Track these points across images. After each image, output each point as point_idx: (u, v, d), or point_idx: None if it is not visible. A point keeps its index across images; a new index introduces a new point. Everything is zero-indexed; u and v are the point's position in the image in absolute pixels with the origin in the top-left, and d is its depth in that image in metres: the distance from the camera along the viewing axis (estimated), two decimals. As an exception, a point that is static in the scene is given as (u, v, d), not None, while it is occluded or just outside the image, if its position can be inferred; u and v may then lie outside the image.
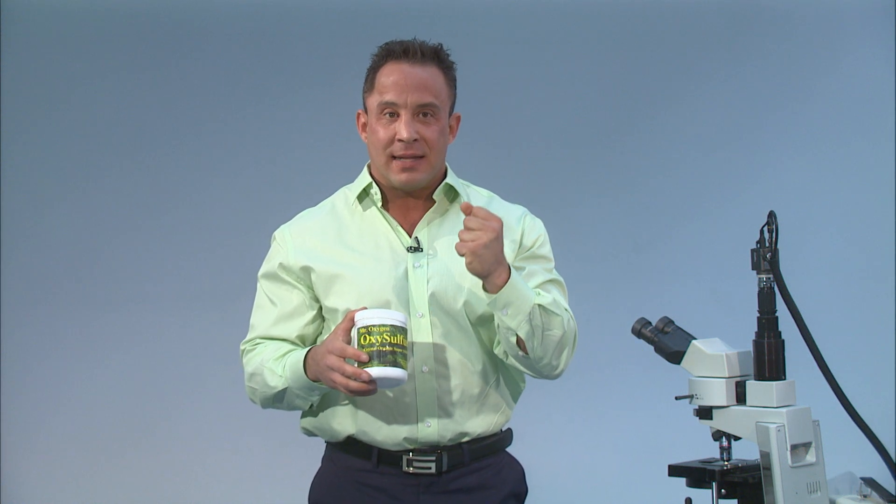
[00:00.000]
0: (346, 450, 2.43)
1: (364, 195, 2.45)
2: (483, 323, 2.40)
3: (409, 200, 2.43)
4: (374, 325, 2.21)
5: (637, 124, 4.89)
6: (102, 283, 4.79)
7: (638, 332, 2.48)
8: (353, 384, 2.20)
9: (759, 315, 2.34)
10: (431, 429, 2.37)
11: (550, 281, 2.42)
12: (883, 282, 4.74)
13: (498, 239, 2.22)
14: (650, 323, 2.47)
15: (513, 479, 2.48)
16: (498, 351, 2.40)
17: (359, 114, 2.45)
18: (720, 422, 2.34)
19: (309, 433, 2.50)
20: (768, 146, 4.86)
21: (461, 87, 2.46)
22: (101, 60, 4.81)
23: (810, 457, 2.26)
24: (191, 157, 4.83)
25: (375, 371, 2.19)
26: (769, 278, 2.33)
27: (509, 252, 2.39)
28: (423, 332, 2.36)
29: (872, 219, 4.77)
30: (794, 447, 2.23)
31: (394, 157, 2.36)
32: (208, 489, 4.69)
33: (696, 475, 2.35)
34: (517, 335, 2.28)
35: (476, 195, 2.51)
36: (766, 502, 2.22)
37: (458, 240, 2.35)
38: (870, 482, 2.35)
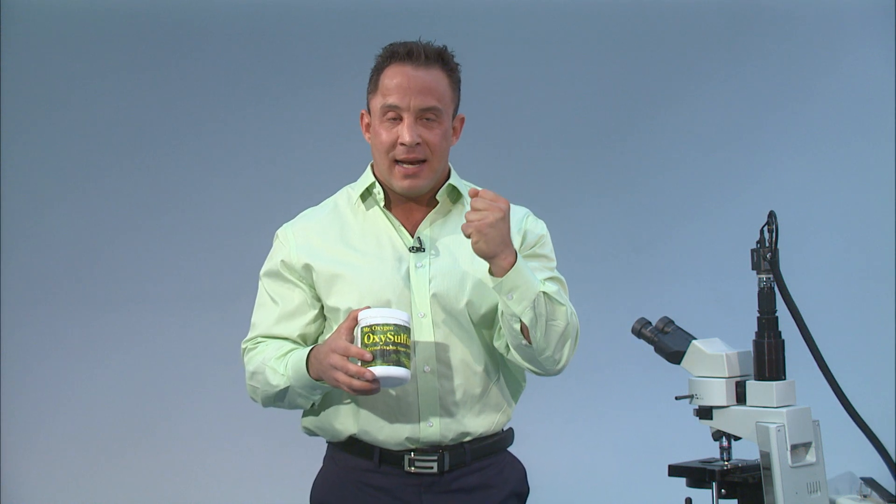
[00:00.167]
0: (348, 449, 2.43)
1: (367, 195, 2.45)
2: (485, 323, 2.40)
3: (411, 201, 2.43)
4: (377, 325, 2.21)
5: (637, 124, 4.89)
6: (102, 283, 4.79)
7: (638, 332, 2.48)
8: (357, 383, 2.19)
9: (759, 315, 2.34)
10: (433, 428, 2.37)
11: (552, 279, 2.42)
12: (883, 282, 4.74)
13: (504, 219, 2.22)
14: (650, 323, 2.47)
15: (514, 478, 2.48)
16: (499, 345, 2.40)
17: (362, 114, 2.45)
18: (720, 422, 2.34)
19: (310, 433, 2.49)
20: (768, 146, 4.86)
21: (461, 87, 2.45)
22: (101, 60, 4.81)
23: (810, 457, 2.26)
24: (191, 157, 4.83)
25: (379, 370, 2.19)
26: (769, 278, 2.33)
27: None
28: (424, 332, 2.36)
29: (872, 219, 4.77)
30: (794, 447, 2.23)
31: (396, 162, 2.35)
32: (208, 489, 4.69)
33: (696, 475, 2.35)
34: (521, 322, 2.27)
35: None
36: (766, 502, 2.22)
37: (460, 240, 2.36)
38: (870, 482, 2.35)
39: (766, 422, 2.24)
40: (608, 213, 4.87)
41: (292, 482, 4.54)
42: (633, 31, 4.86)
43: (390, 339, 2.20)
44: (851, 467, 2.40)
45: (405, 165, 2.35)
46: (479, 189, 2.26)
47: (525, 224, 2.46)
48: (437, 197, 2.43)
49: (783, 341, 2.32)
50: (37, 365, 4.77)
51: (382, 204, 2.42)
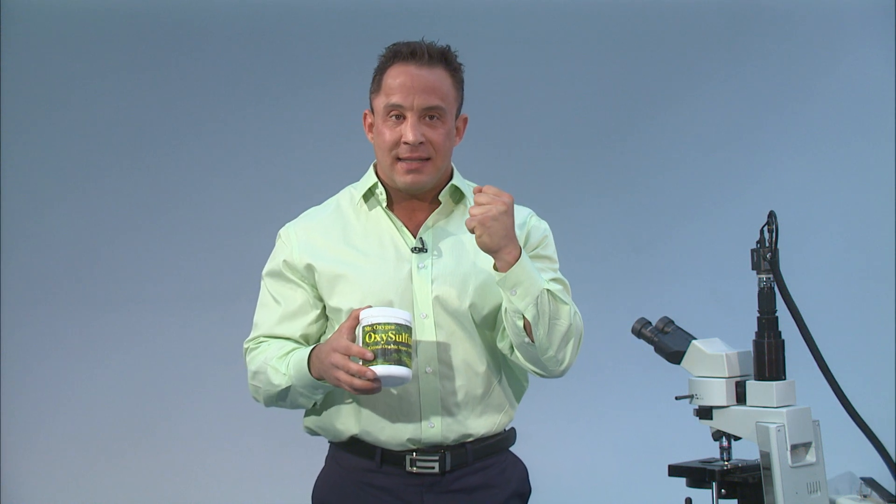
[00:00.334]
0: (350, 450, 2.43)
1: (369, 195, 2.44)
2: (487, 324, 2.40)
3: (414, 201, 2.42)
4: (379, 324, 2.21)
5: (637, 124, 4.89)
6: (102, 283, 4.79)
7: (638, 332, 2.48)
8: (358, 382, 2.19)
9: (759, 315, 2.34)
10: (435, 429, 2.37)
11: (556, 280, 2.41)
12: (883, 282, 4.74)
13: (508, 213, 2.22)
14: (650, 323, 2.47)
15: (516, 478, 2.48)
16: (503, 346, 2.40)
17: (365, 114, 2.45)
18: (720, 422, 2.34)
19: (312, 433, 2.49)
20: (768, 146, 4.86)
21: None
22: (101, 60, 4.81)
23: (810, 457, 2.26)
24: (191, 157, 4.83)
25: (380, 369, 2.19)
26: (769, 278, 2.33)
27: None
28: (427, 333, 2.36)
29: (872, 219, 4.77)
30: (794, 447, 2.23)
31: (399, 159, 2.35)
32: (208, 489, 4.69)
33: (696, 475, 2.35)
34: (524, 318, 2.27)
35: None
36: (766, 502, 2.22)
37: (463, 240, 2.37)
38: (870, 482, 2.35)
39: (766, 422, 2.24)
40: (608, 213, 4.87)
41: (292, 482, 4.55)
42: (633, 31, 4.86)
43: (392, 338, 2.20)
44: (851, 467, 2.40)
45: (409, 161, 2.34)
46: (483, 186, 2.26)
47: (528, 224, 2.46)
48: (440, 198, 2.43)
49: (783, 341, 2.32)
50: (37, 365, 4.77)
51: (385, 204, 2.42)
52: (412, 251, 2.39)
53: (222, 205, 4.82)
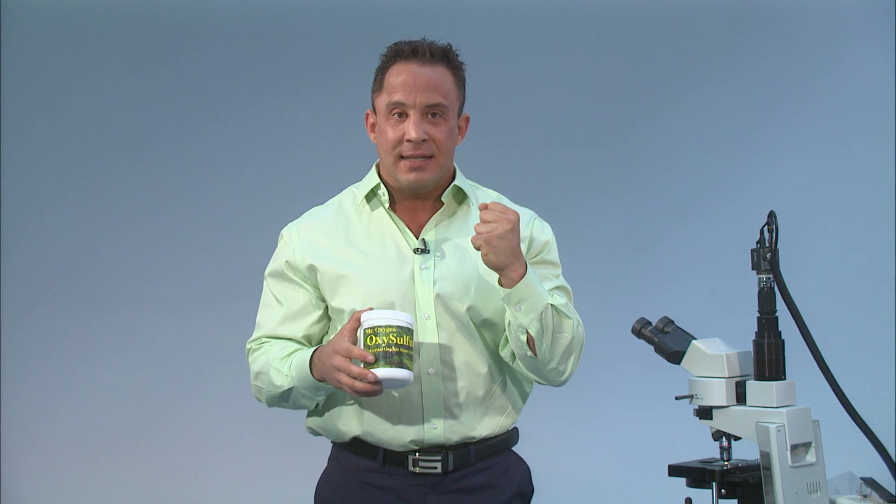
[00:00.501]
0: (352, 450, 2.43)
1: (372, 195, 2.44)
2: (488, 326, 2.40)
3: (416, 202, 2.42)
4: (380, 326, 2.20)
5: (637, 124, 4.89)
6: (102, 283, 4.79)
7: (638, 332, 2.48)
8: (359, 385, 2.19)
9: (759, 315, 2.34)
10: (437, 430, 2.37)
11: (559, 287, 2.42)
12: (883, 282, 4.74)
13: (514, 231, 2.22)
14: (650, 323, 2.47)
15: (519, 478, 2.48)
16: (505, 353, 2.40)
17: (367, 114, 2.45)
18: (720, 422, 2.34)
19: (314, 433, 2.49)
20: (768, 146, 4.86)
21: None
22: (101, 60, 4.81)
23: (810, 457, 2.26)
24: (191, 157, 4.83)
25: (381, 372, 2.19)
26: (769, 278, 2.33)
27: None
28: (429, 334, 2.36)
29: (872, 219, 4.77)
30: (794, 447, 2.23)
31: (402, 158, 2.35)
32: (208, 489, 4.69)
33: (696, 475, 2.35)
34: (528, 333, 2.27)
35: (484, 197, 2.50)
36: (766, 502, 2.22)
37: (466, 242, 2.36)
38: (870, 482, 2.35)
39: (766, 422, 2.24)
40: (608, 213, 4.87)
41: (292, 482, 4.55)
42: (633, 31, 4.86)
43: (393, 340, 2.20)
44: (851, 467, 2.40)
45: (411, 159, 2.34)
46: (488, 202, 2.26)
47: (532, 228, 2.46)
48: (443, 198, 2.42)
49: (783, 341, 2.32)
50: (37, 365, 4.77)
51: (387, 205, 2.42)
52: (414, 252, 2.39)
53: (222, 205, 4.82)
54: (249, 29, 4.84)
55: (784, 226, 2.34)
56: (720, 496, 2.31)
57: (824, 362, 2.31)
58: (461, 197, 2.45)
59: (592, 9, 4.84)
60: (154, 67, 4.82)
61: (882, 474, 2.35)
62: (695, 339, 2.41)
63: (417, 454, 2.38)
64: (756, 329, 2.34)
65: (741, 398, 2.32)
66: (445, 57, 2.38)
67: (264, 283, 2.48)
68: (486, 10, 4.82)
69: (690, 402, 2.38)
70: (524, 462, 2.52)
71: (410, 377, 2.22)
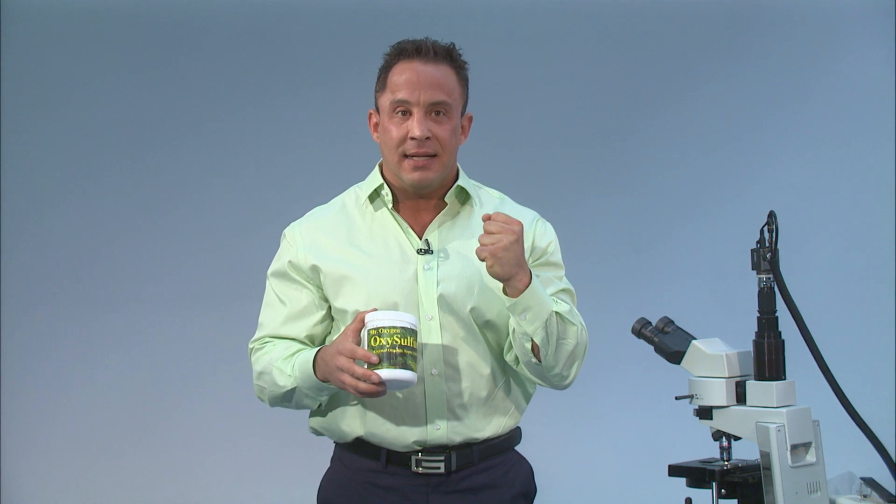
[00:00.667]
0: (355, 450, 2.43)
1: (375, 196, 2.43)
2: (491, 327, 2.40)
3: (420, 202, 2.42)
4: (384, 327, 2.20)
5: (637, 124, 4.89)
6: (102, 283, 4.79)
7: (638, 332, 2.48)
8: (363, 385, 2.19)
9: (759, 315, 2.34)
10: (441, 431, 2.37)
11: (563, 290, 2.42)
12: (883, 282, 4.74)
13: (519, 241, 2.22)
14: (650, 323, 2.47)
15: (522, 477, 2.48)
16: (509, 358, 2.40)
17: (370, 114, 2.44)
18: (720, 422, 2.34)
19: (317, 433, 2.49)
20: (768, 146, 4.86)
21: (465, 86, 2.45)
22: (101, 60, 4.81)
23: (810, 457, 2.26)
24: (191, 157, 4.83)
25: (385, 373, 2.19)
26: (769, 278, 2.33)
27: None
28: (432, 335, 2.35)
29: (872, 219, 4.77)
30: (794, 447, 2.23)
31: (406, 156, 2.35)
32: (208, 489, 4.69)
33: (696, 475, 2.35)
34: (532, 341, 2.28)
35: (487, 197, 2.50)
36: (766, 502, 2.22)
37: (469, 242, 2.36)
38: (870, 482, 2.35)
39: (766, 422, 2.24)
40: (608, 213, 4.87)
41: (292, 482, 4.55)
42: (633, 31, 4.86)
43: (397, 341, 2.20)
44: (851, 467, 2.40)
45: (415, 158, 2.34)
46: (491, 212, 2.25)
47: (534, 230, 2.46)
48: (446, 199, 2.42)
49: (783, 341, 2.32)
50: (37, 365, 4.77)
51: (391, 205, 2.42)
52: (418, 253, 2.39)
53: (222, 205, 4.82)
54: (249, 29, 4.84)
55: (784, 226, 2.34)
56: (720, 496, 2.31)
57: (824, 362, 2.31)
58: (464, 197, 2.45)
59: (592, 9, 4.83)
60: (154, 67, 4.82)
61: (882, 474, 2.35)
62: (695, 339, 2.41)
63: (420, 454, 2.38)
64: (756, 329, 2.34)
65: (741, 398, 2.32)
66: (449, 56, 2.38)
67: (267, 282, 2.48)
68: (486, 10, 4.82)
69: (690, 402, 2.38)
70: (527, 462, 2.52)
71: (414, 378, 2.22)
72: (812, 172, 4.82)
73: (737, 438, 2.34)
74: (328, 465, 2.52)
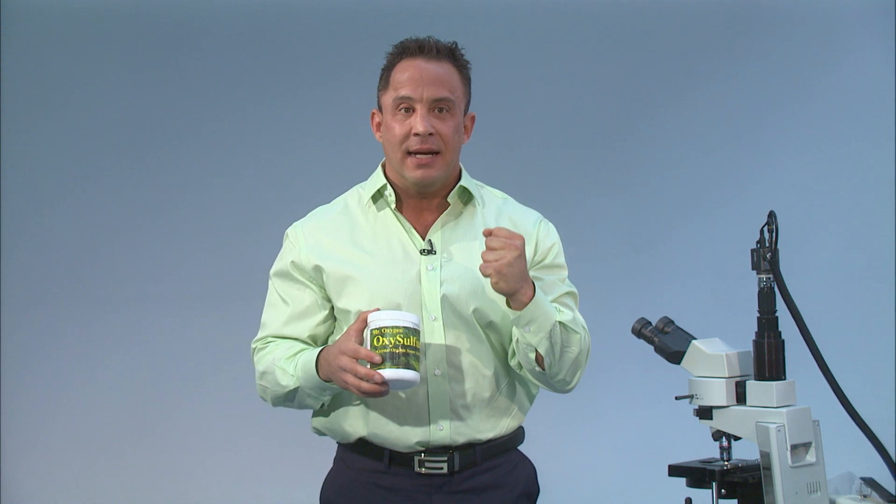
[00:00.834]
0: (358, 451, 2.43)
1: (378, 196, 2.43)
2: (493, 328, 2.40)
3: (422, 202, 2.42)
4: (387, 327, 2.20)
5: (637, 124, 4.89)
6: (102, 283, 4.79)
7: (638, 332, 2.48)
8: (366, 385, 2.19)
9: (759, 315, 2.34)
10: (444, 432, 2.37)
11: (566, 294, 2.43)
12: (883, 282, 4.74)
13: (521, 256, 2.22)
14: (650, 323, 2.47)
15: (525, 477, 2.48)
16: (513, 363, 2.41)
17: (373, 113, 2.44)
18: (720, 422, 2.34)
19: (320, 433, 2.49)
20: (768, 146, 4.86)
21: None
22: (101, 60, 4.81)
23: (810, 457, 2.26)
24: (191, 157, 4.83)
25: (388, 373, 2.19)
26: (769, 278, 2.33)
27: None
28: (435, 335, 2.35)
29: (872, 219, 4.77)
30: (794, 447, 2.23)
31: (409, 153, 2.34)
32: (208, 489, 4.69)
33: (696, 475, 2.35)
34: (536, 351, 2.29)
35: (490, 196, 2.50)
36: (766, 502, 2.22)
37: (472, 243, 2.37)
38: (870, 482, 2.35)
39: (766, 422, 2.24)
40: (608, 213, 4.87)
41: (292, 482, 4.55)
42: (633, 31, 4.86)
43: (400, 341, 2.20)
44: (851, 467, 2.40)
45: (418, 156, 2.34)
46: (492, 228, 2.25)
47: (537, 232, 2.46)
48: (449, 199, 2.42)
49: (783, 341, 2.32)
50: (37, 365, 4.77)
51: (394, 205, 2.41)
52: (421, 253, 2.39)
53: (222, 205, 4.82)
54: (249, 29, 4.84)
55: (784, 226, 2.34)
56: (720, 496, 2.31)
57: (824, 362, 2.31)
58: (467, 197, 2.45)
59: (592, 9, 4.83)
60: (154, 67, 4.82)
61: (882, 474, 2.35)
62: (695, 339, 2.41)
63: (423, 455, 2.38)
64: (756, 329, 2.34)
65: (741, 398, 2.32)
66: (451, 54, 2.39)
67: (269, 282, 2.48)
68: (486, 10, 4.82)
69: (690, 402, 2.38)
70: (530, 462, 2.52)
71: (417, 378, 2.22)
72: (812, 172, 4.82)
73: (737, 438, 2.34)
74: (328, 465, 2.52)
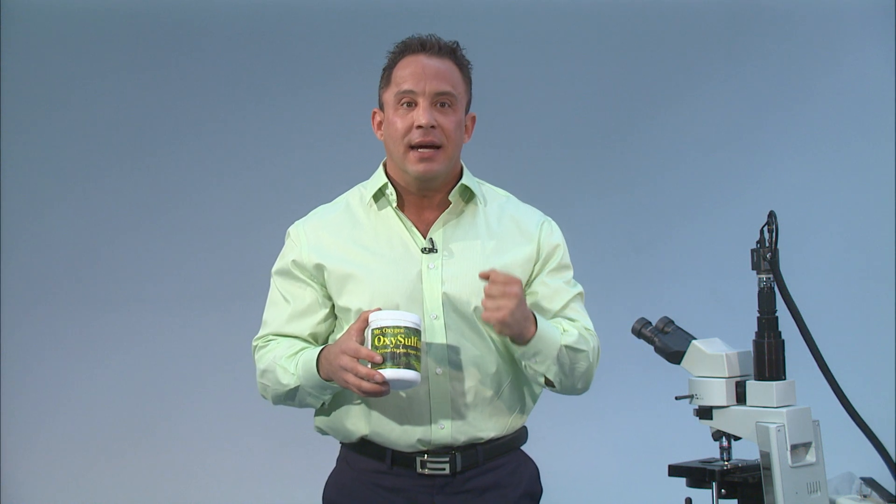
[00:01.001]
0: (361, 451, 2.43)
1: (379, 195, 2.43)
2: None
3: (424, 201, 2.42)
4: (388, 327, 2.20)
5: (637, 124, 4.89)
6: (102, 283, 4.79)
7: (638, 332, 2.48)
8: (366, 385, 2.19)
9: (759, 315, 2.34)
10: (445, 431, 2.37)
11: (574, 298, 2.44)
12: (883, 282, 4.74)
13: (521, 301, 2.23)
14: (650, 323, 2.47)
15: (527, 478, 2.48)
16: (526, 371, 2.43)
17: (374, 112, 2.44)
18: (720, 422, 2.34)
19: (322, 432, 2.49)
20: (768, 146, 4.86)
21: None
22: (101, 60, 4.81)
23: (810, 457, 2.26)
24: (191, 157, 4.83)
25: (389, 373, 2.19)
26: (769, 278, 2.32)
27: (527, 261, 2.41)
28: (437, 334, 2.35)
29: (872, 219, 4.77)
30: (794, 447, 2.23)
31: (411, 148, 2.34)
32: (208, 489, 4.69)
33: (696, 475, 2.35)
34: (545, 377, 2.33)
35: (493, 195, 2.50)
36: (766, 502, 2.22)
37: (474, 242, 2.38)
38: (870, 482, 2.35)
39: (766, 422, 2.24)
40: (608, 213, 4.87)
41: (292, 482, 4.55)
42: (633, 31, 4.86)
43: (401, 341, 2.20)
44: (851, 467, 2.40)
45: (420, 150, 2.34)
46: (489, 271, 2.25)
47: (540, 235, 2.46)
48: (450, 197, 2.42)
49: (783, 341, 2.32)
50: (37, 365, 4.77)
51: (395, 204, 2.41)
52: (422, 252, 2.39)
53: (222, 205, 4.82)
54: (249, 29, 4.84)
55: (784, 226, 2.34)
56: (720, 496, 2.31)
57: (824, 362, 2.31)
58: (469, 196, 2.45)
59: (592, 9, 4.83)
60: (154, 67, 4.82)
61: (882, 474, 2.35)
62: (695, 339, 2.40)
63: (426, 455, 2.38)
64: (756, 329, 2.34)
65: (741, 398, 2.32)
66: (453, 53, 2.40)
67: (271, 280, 2.48)
68: (486, 10, 4.82)
69: (690, 402, 2.38)
70: (533, 462, 2.52)
71: (418, 378, 2.22)
72: (812, 172, 4.82)
73: (737, 438, 2.34)
74: (328, 464, 2.52)
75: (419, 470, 2.38)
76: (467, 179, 2.44)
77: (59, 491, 4.68)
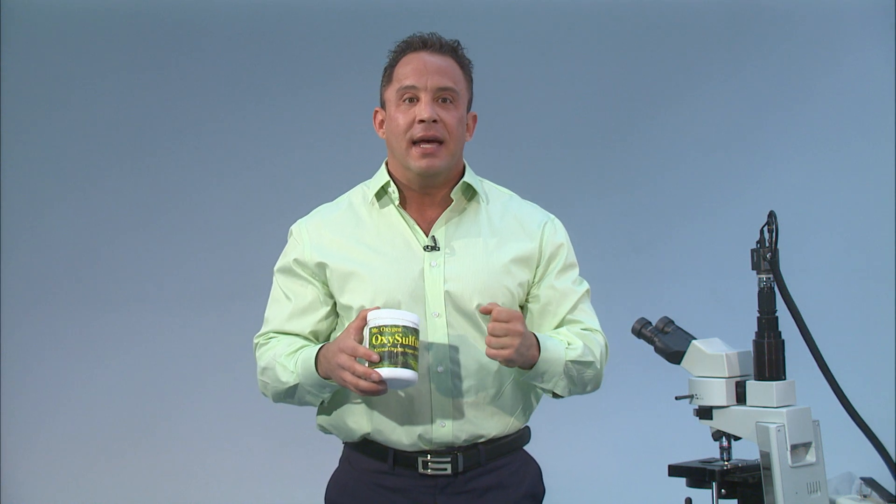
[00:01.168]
0: (363, 451, 2.43)
1: (382, 193, 2.43)
2: None
3: (426, 199, 2.42)
4: (386, 326, 2.20)
5: (637, 124, 4.89)
6: (102, 283, 4.80)
7: (638, 332, 2.48)
8: (364, 384, 2.19)
9: (759, 315, 2.34)
10: (446, 429, 2.37)
11: (581, 297, 2.46)
12: (883, 282, 4.74)
13: (525, 338, 2.25)
14: (650, 323, 2.47)
15: (529, 478, 2.48)
16: None
17: (375, 112, 2.45)
18: (720, 422, 2.34)
19: (325, 430, 2.49)
20: (768, 146, 4.86)
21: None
22: (101, 60, 4.81)
23: (810, 457, 2.26)
24: (191, 157, 4.83)
25: (386, 372, 2.19)
26: (769, 278, 2.32)
27: (529, 260, 2.41)
28: (438, 332, 2.35)
29: (872, 219, 4.77)
30: (794, 447, 2.23)
31: (414, 143, 2.35)
32: (208, 489, 4.69)
33: (696, 475, 2.35)
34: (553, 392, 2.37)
35: (496, 193, 2.50)
36: (766, 502, 2.22)
37: (476, 240, 2.38)
38: (870, 482, 2.35)
39: (766, 422, 2.24)
40: (608, 213, 4.87)
41: (293, 482, 4.55)
42: (633, 31, 4.86)
43: (398, 340, 2.20)
44: (851, 467, 2.40)
45: (423, 145, 2.34)
46: (489, 306, 2.26)
47: (542, 234, 2.46)
48: (452, 195, 2.42)
49: (783, 341, 2.32)
50: (37, 365, 4.77)
51: (397, 202, 2.42)
52: (424, 249, 2.39)
53: (222, 205, 4.82)
54: (249, 29, 4.84)
55: (784, 226, 2.34)
56: (720, 496, 2.31)
57: (824, 362, 2.31)
58: (471, 193, 2.45)
59: (592, 9, 4.84)
60: (154, 67, 4.82)
61: (882, 474, 2.35)
62: (695, 339, 2.40)
63: (428, 455, 2.38)
64: (756, 329, 2.34)
65: (741, 398, 2.32)
66: (454, 51, 2.41)
67: (273, 278, 2.48)
68: (486, 10, 4.82)
69: (690, 402, 2.38)
70: (535, 462, 2.52)
71: (415, 378, 2.21)
72: (812, 172, 4.82)
73: (737, 438, 2.34)
74: (329, 464, 2.52)
75: (421, 470, 2.38)
76: (469, 177, 2.44)
77: (59, 491, 4.68)
